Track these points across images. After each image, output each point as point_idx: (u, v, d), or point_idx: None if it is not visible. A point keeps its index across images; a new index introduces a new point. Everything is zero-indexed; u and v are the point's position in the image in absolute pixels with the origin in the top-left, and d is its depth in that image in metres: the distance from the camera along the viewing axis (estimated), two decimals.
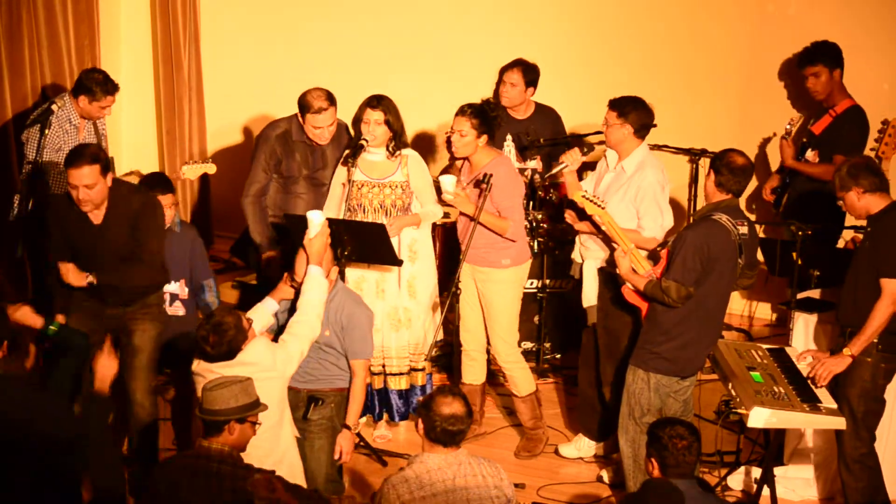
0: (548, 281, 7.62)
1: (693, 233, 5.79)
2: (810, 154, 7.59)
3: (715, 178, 5.83)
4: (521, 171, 7.49)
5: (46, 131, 6.83)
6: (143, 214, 6.05)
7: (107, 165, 5.91)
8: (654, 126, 6.46)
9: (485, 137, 6.53)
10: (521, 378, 6.74)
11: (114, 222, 5.99)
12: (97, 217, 5.97)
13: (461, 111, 6.52)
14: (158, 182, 6.57)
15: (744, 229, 5.83)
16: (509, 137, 7.74)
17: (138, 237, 6.03)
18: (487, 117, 6.50)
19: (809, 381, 5.82)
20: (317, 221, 5.75)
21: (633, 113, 6.31)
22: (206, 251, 6.95)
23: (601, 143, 6.69)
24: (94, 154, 5.84)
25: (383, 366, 6.80)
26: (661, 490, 4.73)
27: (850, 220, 6.35)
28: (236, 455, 4.83)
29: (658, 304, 5.82)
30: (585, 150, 6.64)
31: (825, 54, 7.56)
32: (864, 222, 5.89)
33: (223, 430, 4.81)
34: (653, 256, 6.12)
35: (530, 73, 7.72)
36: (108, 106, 7.04)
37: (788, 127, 7.65)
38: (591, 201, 6.16)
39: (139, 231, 6.03)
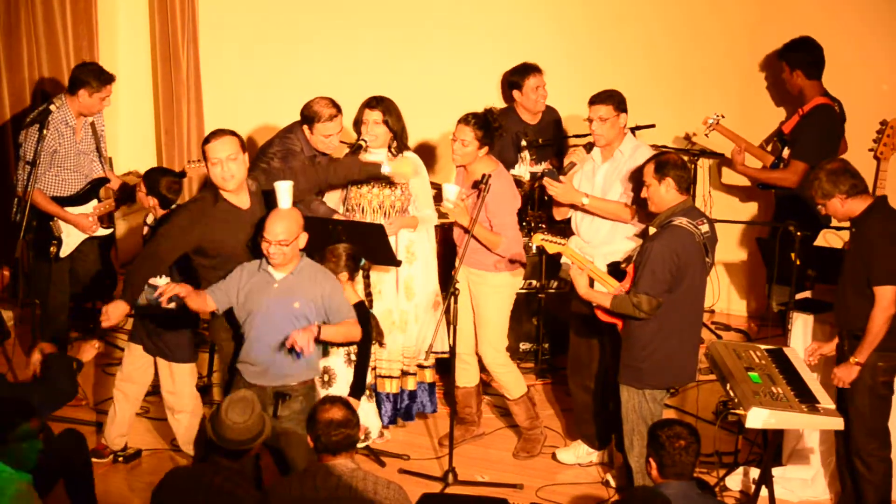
0: (546, 282, 7.62)
1: (659, 243, 5.74)
2: (785, 152, 7.68)
3: (673, 182, 5.80)
4: (533, 174, 7.47)
5: (45, 132, 6.81)
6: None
7: (244, 144, 5.74)
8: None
9: (485, 149, 6.45)
10: (510, 382, 6.69)
11: (255, 206, 5.77)
12: (244, 202, 5.73)
13: (465, 120, 6.41)
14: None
15: (705, 227, 5.83)
16: (524, 142, 7.69)
17: None
18: (490, 128, 6.41)
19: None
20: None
21: (624, 103, 6.35)
22: None
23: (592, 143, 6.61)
24: (229, 130, 5.71)
25: (374, 367, 6.70)
26: (646, 497, 4.75)
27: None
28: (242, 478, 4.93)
29: (629, 318, 5.81)
30: (588, 149, 6.61)
31: (785, 53, 7.76)
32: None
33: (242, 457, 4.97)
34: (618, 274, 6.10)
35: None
36: (107, 96, 7.02)
37: (711, 121, 7.81)
38: (550, 241, 6.06)
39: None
